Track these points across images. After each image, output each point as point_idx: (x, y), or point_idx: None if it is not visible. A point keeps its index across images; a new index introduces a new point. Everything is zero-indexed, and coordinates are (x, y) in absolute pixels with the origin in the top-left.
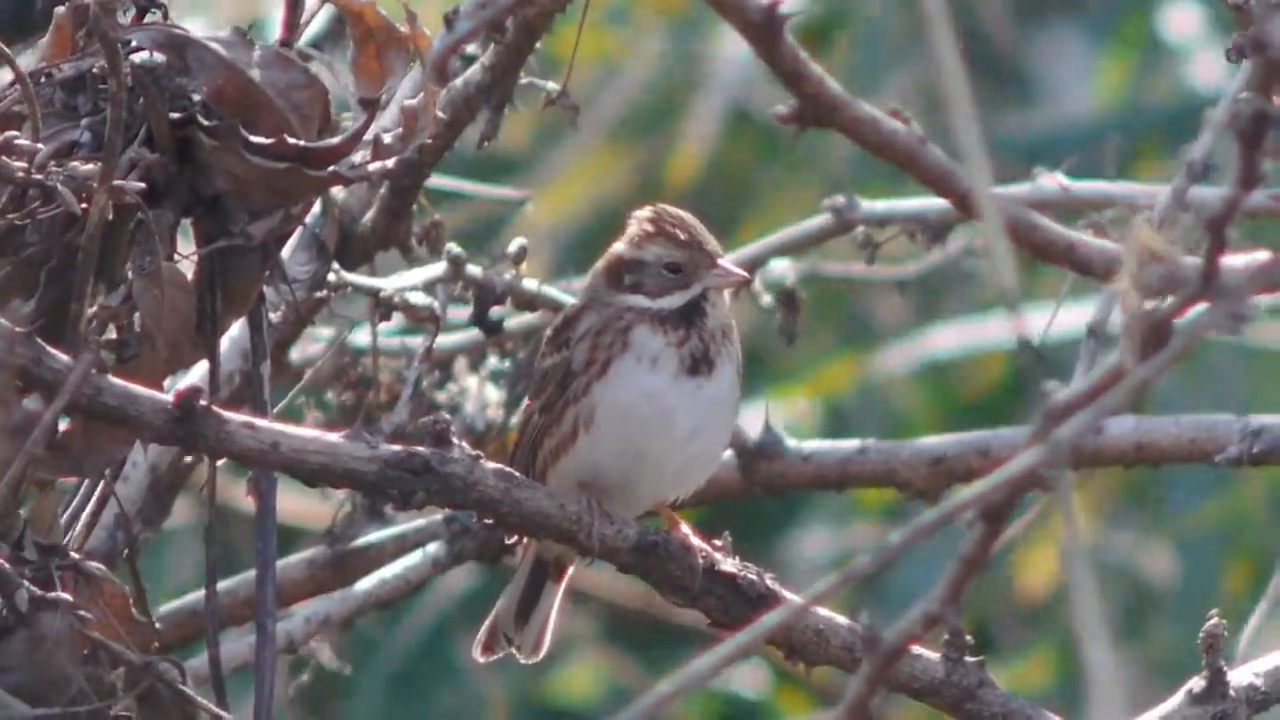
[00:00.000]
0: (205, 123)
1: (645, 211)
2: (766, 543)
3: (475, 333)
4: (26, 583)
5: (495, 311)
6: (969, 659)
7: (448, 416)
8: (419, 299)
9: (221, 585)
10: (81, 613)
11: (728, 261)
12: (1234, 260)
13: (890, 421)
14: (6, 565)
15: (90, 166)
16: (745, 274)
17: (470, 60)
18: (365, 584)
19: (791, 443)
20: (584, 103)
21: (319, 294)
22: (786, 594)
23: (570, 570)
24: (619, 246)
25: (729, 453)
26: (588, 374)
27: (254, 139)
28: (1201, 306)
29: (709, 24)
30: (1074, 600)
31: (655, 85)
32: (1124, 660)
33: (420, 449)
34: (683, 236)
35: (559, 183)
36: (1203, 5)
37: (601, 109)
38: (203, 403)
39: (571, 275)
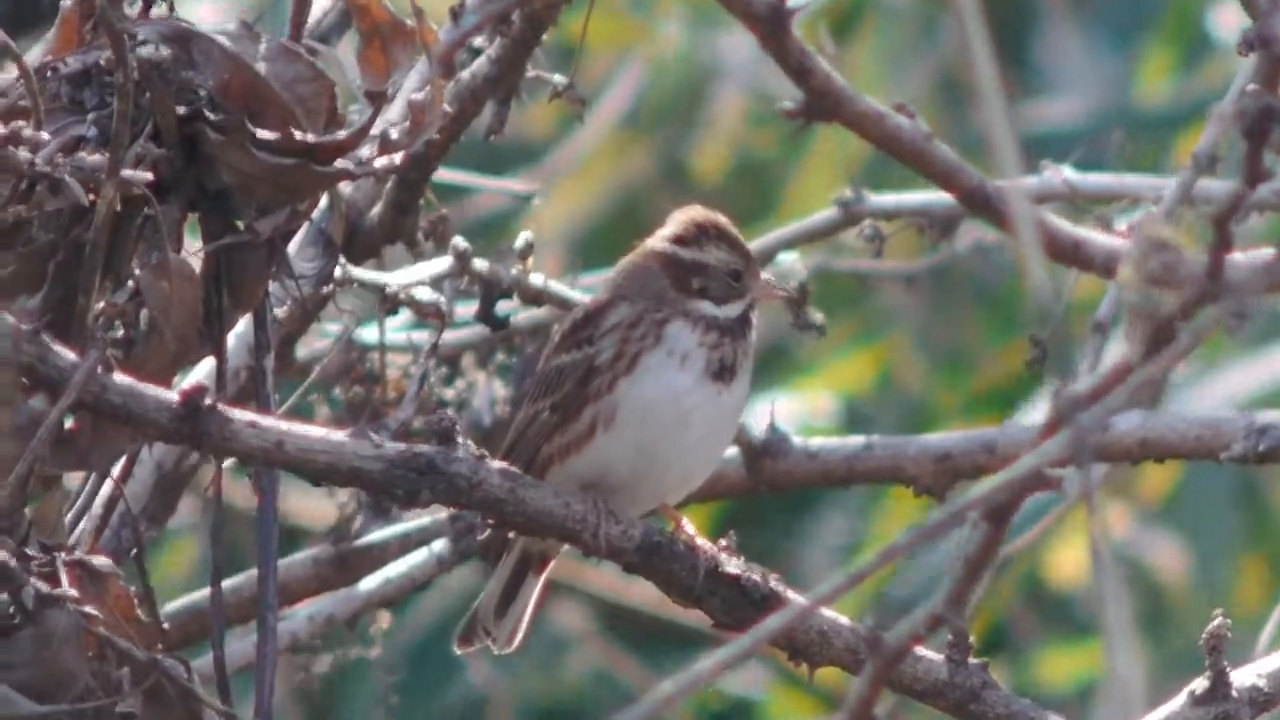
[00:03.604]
0: (212, 117)
1: (691, 212)
2: (778, 543)
3: (483, 328)
4: (33, 579)
5: (502, 307)
6: (972, 660)
7: (453, 415)
8: (425, 294)
9: (226, 584)
10: (88, 609)
11: (768, 275)
12: (1240, 257)
13: (908, 416)
14: (13, 562)
15: (97, 158)
16: (790, 291)
17: (477, 53)
18: (370, 582)
19: (797, 440)
20: (601, 92)
21: (325, 289)
22: (791, 595)
23: (551, 563)
24: (668, 246)
25: (734, 450)
26: (614, 370)
27: (260, 134)
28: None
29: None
30: (1100, 598)
31: (675, 75)
32: (1143, 660)
33: (425, 448)
34: (738, 243)
35: (576, 176)
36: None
37: (619, 99)
38: (208, 401)
39: (581, 270)
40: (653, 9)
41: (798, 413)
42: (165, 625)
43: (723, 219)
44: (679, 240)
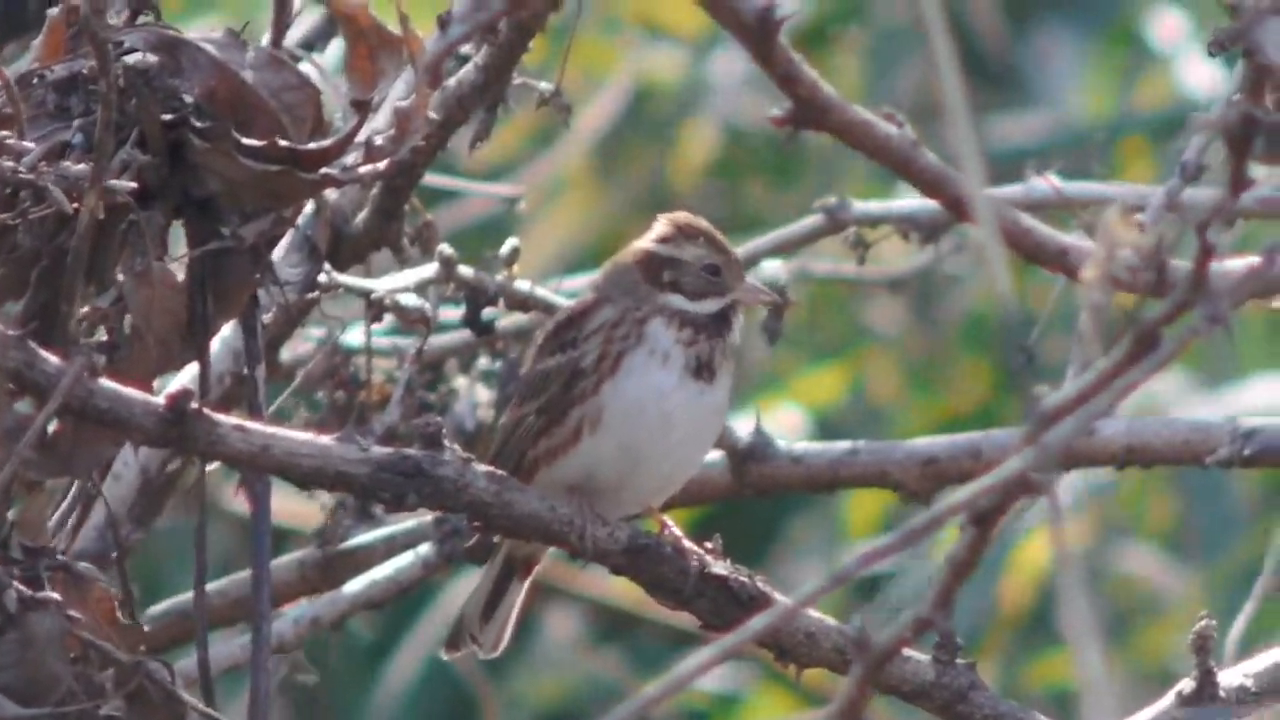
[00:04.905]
0: (197, 124)
1: (673, 215)
2: (759, 547)
3: (466, 333)
4: (15, 583)
5: (488, 313)
6: (960, 661)
7: (439, 419)
8: (410, 300)
9: (213, 586)
10: (71, 613)
11: (754, 279)
12: (1226, 264)
13: (880, 432)
14: None
15: (82, 167)
16: (775, 295)
17: (464, 60)
18: (355, 585)
19: (782, 444)
20: (575, 115)
21: (310, 295)
22: (779, 596)
23: (536, 567)
24: (648, 244)
25: (719, 454)
26: (599, 372)
27: (246, 141)
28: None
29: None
30: (1066, 604)
31: (648, 98)
32: (1116, 665)
33: (412, 451)
34: (719, 242)
35: (551, 207)
36: (1189, 9)
37: (592, 122)
38: (194, 405)
39: (565, 274)
40: (623, 33)
41: (768, 427)
42: (150, 627)
43: (705, 222)
44: (659, 239)
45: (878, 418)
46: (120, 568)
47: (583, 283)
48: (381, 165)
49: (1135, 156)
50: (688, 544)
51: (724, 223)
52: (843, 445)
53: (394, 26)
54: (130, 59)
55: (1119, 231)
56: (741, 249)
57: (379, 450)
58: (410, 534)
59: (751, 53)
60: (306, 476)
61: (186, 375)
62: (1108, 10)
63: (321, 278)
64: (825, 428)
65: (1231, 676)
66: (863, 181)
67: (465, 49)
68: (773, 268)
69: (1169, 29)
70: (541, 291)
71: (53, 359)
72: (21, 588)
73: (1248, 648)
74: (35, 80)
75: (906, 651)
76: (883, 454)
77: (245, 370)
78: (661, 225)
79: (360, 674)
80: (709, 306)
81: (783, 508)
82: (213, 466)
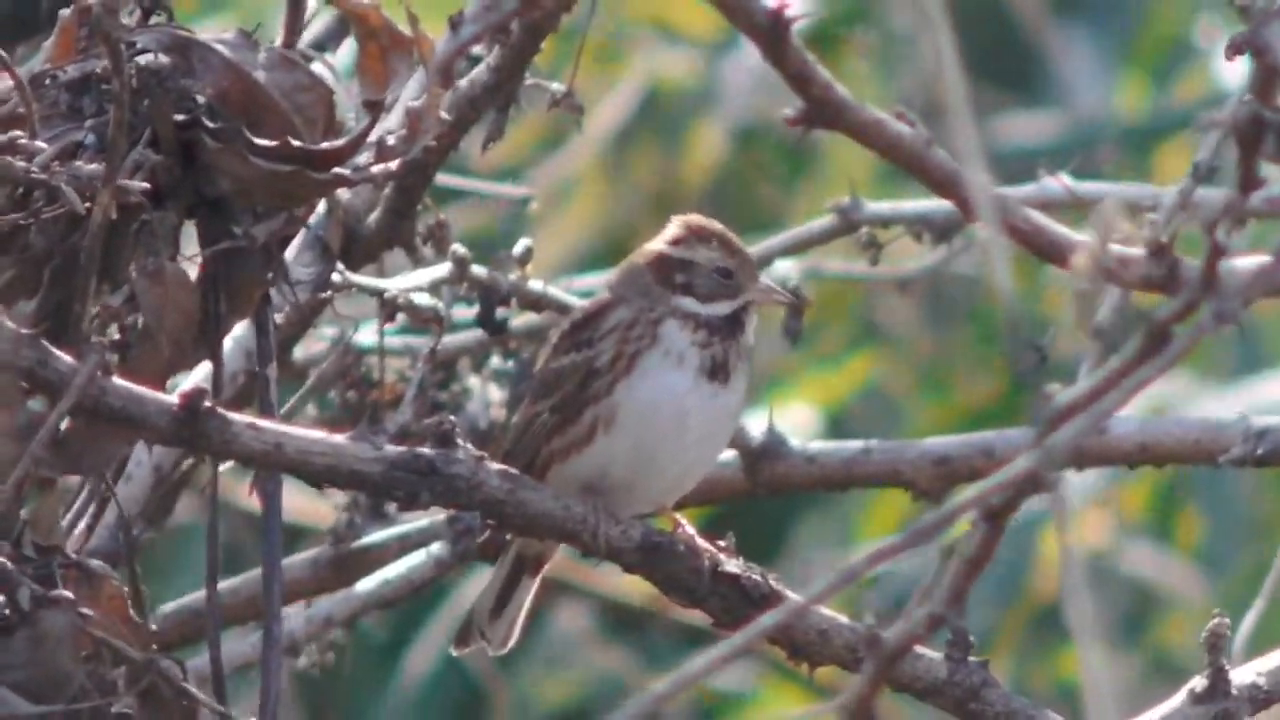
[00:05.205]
0: (210, 125)
1: (685, 217)
2: (771, 545)
3: (478, 332)
4: (28, 581)
5: (501, 312)
6: (972, 659)
7: (453, 418)
8: (423, 300)
9: (225, 584)
10: (83, 610)
11: (768, 280)
12: (1237, 262)
13: (892, 431)
14: (9, 564)
15: (94, 167)
16: (789, 296)
17: (476, 61)
18: (368, 584)
19: (795, 443)
20: (586, 115)
21: (323, 294)
22: (790, 594)
23: (546, 564)
24: (660, 246)
25: (733, 453)
26: (613, 372)
27: (258, 141)
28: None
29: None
30: (1069, 601)
31: (660, 100)
32: (1133, 663)
33: (425, 450)
34: (732, 244)
35: (565, 200)
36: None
37: (605, 122)
38: (207, 404)
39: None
40: (634, 34)
41: (779, 426)
42: (165, 625)
43: (717, 224)
44: (671, 241)
45: (890, 417)
46: (130, 567)
47: (593, 283)
48: (393, 165)
49: (1174, 152)
50: (700, 542)
51: (736, 223)
52: (856, 445)
53: (405, 27)
54: (143, 59)
55: (1115, 222)
56: (754, 249)
57: (392, 449)
58: (423, 533)
59: (764, 53)
60: (319, 475)
61: (199, 374)
62: (1137, 8)
63: (334, 277)
64: (837, 427)
65: (1243, 674)
66: (869, 181)
67: (477, 49)
68: (784, 268)
69: (1206, 26)
70: (554, 291)
71: (65, 358)
72: (34, 585)
73: (1259, 646)
74: (48, 80)
75: (919, 649)
76: (896, 453)
77: (258, 369)
78: (674, 227)
79: (373, 673)
80: (721, 309)
81: (794, 506)
82: (226, 465)
